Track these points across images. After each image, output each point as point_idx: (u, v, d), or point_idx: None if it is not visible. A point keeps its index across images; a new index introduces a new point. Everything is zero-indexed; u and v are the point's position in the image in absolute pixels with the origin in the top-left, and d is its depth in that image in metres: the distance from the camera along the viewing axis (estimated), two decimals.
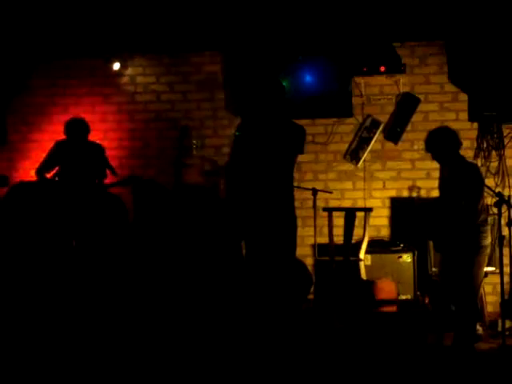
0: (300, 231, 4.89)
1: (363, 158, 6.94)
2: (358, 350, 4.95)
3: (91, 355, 4.57)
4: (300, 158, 4.88)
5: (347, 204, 6.87)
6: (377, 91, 6.98)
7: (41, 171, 6.45)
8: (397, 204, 6.88)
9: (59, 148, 6.46)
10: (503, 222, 5.51)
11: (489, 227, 4.97)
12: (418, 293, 6.19)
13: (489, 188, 5.25)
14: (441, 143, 5.02)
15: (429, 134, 5.17)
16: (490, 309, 6.11)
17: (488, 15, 6.35)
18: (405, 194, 6.89)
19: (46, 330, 4.98)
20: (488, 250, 4.96)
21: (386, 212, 6.90)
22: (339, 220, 6.08)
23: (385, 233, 6.89)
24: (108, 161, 6.56)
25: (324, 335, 5.34)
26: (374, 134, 6.92)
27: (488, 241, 4.92)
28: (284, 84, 5.04)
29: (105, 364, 4.43)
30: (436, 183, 5.37)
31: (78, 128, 6.43)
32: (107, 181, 6.55)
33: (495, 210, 5.42)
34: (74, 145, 6.41)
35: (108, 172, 6.55)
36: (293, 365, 4.35)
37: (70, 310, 5.28)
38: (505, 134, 6.68)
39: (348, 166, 6.98)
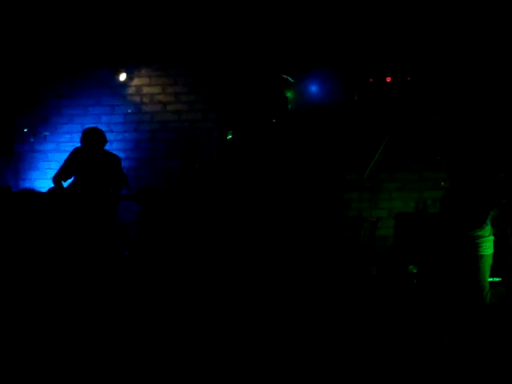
0: None
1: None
2: None
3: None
4: None
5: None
6: None
7: (57, 178, 6.26)
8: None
9: (76, 154, 6.29)
10: None
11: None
12: None
13: None
14: None
15: None
16: None
17: None
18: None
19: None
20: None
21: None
22: None
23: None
24: (123, 172, 6.45)
25: None
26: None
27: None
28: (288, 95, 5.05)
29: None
30: None
31: (94, 137, 6.30)
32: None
33: None
34: (90, 152, 6.28)
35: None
36: None
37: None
38: None
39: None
